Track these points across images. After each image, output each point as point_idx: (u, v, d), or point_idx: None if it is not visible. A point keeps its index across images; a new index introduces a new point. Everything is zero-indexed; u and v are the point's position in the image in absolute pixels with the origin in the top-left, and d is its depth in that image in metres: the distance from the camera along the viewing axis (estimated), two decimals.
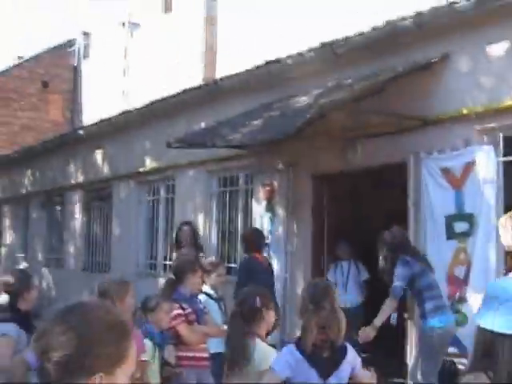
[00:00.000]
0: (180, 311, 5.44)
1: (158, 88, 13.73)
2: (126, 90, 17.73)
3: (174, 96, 11.26)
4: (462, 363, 6.59)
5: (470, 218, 6.89)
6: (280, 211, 9.23)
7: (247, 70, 9.65)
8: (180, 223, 8.62)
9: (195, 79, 14.02)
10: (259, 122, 7.68)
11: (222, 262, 7.62)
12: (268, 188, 9.28)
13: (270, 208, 9.30)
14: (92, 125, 14.45)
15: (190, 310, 5.49)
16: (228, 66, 12.45)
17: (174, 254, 8.15)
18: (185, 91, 10.99)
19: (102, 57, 19.66)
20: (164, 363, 5.08)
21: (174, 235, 8.45)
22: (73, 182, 15.24)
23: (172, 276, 5.86)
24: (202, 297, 6.04)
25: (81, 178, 14.95)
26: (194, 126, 10.47)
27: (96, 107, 18.99)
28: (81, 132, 14.88)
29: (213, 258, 7.95)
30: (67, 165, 15.47)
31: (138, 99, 13.68)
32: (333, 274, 9.01)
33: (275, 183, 9.28)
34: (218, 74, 12.96)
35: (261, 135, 7.22)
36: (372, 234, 7.10)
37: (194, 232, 8.19)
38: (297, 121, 6.68)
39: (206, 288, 6.36)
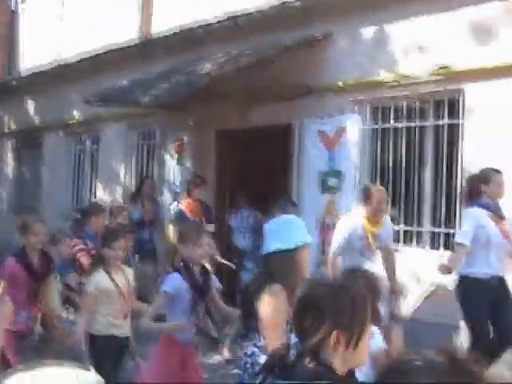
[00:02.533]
0: (83, 246, 6.61)
1: (93, 39, 14.28)
2: (62, 38, 18.21)
3: (105, 53, 12.00)
4: None
5: (339, 175, 8.16)
6: (189, 164, 10.36)
7: (169, 33, 10.51)
8: (143, 177, 9.59)
9: (130, 34, 14.65)
10: (166, 85, 8.74)
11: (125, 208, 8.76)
12: (178, 143, 10.38)
13: (181, 161, 10.41)
14: (24, 76, 15.16)
15: (91, 246, 6.63)
16: (162, 22, 13.10)
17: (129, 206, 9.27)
18: (114, 48, 11.74)
19: (39, 2, 19.90)
20: (66, 286, 6.23)
21: (136, 187, 9.42)
22: (6, 129, 16.01)
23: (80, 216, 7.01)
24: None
25: (13, 126, 15.73)
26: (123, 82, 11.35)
27: (33, 53, 19.44)
28: (14, 82, 15.58)
29: (121, 202, 9.08)
30: (0, 112, 16.20)
31: (73, 49, 14.25)
32: (234, 220, 10.21)
33: (185, 139, 10.38)
34: (154, 30, 13.62)
35: (164, 98, 8.30)
36: (265, 184, 8.31)
37: (154, 186, 9.25)
38: (193, 88, 7.81)
39: None
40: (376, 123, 8.19)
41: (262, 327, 3.23)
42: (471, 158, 7.12)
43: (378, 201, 6.33)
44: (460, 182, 7.27)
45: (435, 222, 7.72)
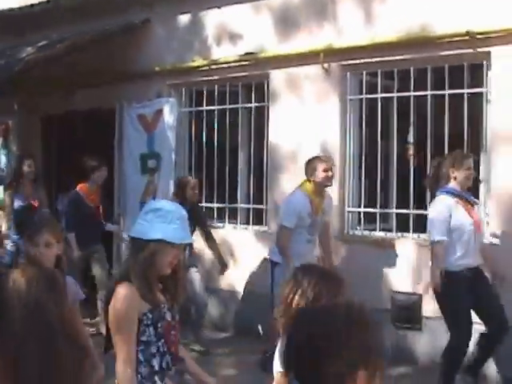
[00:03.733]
0: None
1: None
2: None
3: None
4: None
5: (157, 157, 8.48)
6: (14, 148, 10.30)
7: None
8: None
9: None
10: None
11: None
12: (3, 127, 10.29)
13: (6, 145, 10.33)
14: None
15: None
16: None
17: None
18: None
19: None
20: None
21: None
22: None
23: None
24: None
25: None
26: None
27: None
28: None
29: None
30: None
31: None
32: (60, 204, 10.26)
33: (10, 123, 10.31)
34: None
35: None
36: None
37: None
38: (10, 72, 7.85)
39: None
40: (191, 106, 8.59)
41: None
42: (276, 140, 7.69)
43: (325, 171, 6.34)
44: (266, 162, 7.82)
45: (249, 199, 8.22)
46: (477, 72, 6.54)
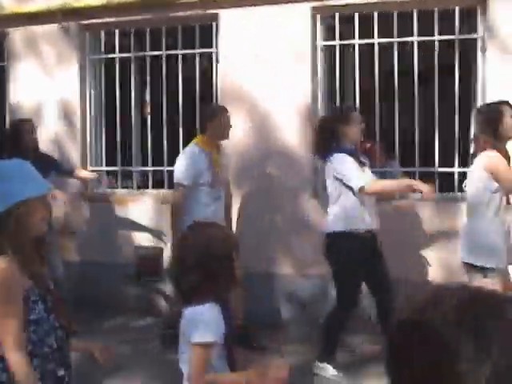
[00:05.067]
0: None
1: None
2: None
3: None
4: None
5: None
6: None
7: None
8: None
9: None
10: None
11: None
12: None
13: None
14: None
15: None
16: None
17: None
18: None
19: None
20: None
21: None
22: None
23: None
24: None
25: None
26: None
27: None
28: None
29: None
30: None
31: None
32: None
33: None
34: None
35: None
36: None
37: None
38: None
39: None
40: None
41: None
42: (17, 100, 7.49)
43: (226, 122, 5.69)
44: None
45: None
46: (207, 33, 6.85)
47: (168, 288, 6.79)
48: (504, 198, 4.68)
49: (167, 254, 6.69)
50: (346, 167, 4.96)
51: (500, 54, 5.88)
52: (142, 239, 6.98)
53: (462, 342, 1.06)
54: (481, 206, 4.65)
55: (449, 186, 6.26)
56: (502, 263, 4.65)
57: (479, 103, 5.88)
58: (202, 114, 5.91)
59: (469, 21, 6.21)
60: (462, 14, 6.11)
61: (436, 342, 1.08)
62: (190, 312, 2.74)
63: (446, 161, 6.24)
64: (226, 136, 5.76)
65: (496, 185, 4.59)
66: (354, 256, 5.02)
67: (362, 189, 4.87)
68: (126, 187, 7.26)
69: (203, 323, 2.67)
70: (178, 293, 2.82)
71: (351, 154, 5.03)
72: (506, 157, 4.74)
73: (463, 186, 5.00)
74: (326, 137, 5.12)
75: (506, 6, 5.85)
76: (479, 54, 6.08)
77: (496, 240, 4.61)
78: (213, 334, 2.67)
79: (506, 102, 4.74)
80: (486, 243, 4.58)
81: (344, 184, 4.99)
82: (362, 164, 5.10)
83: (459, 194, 6.01)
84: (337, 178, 5.02)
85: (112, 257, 7.03)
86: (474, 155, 4.83)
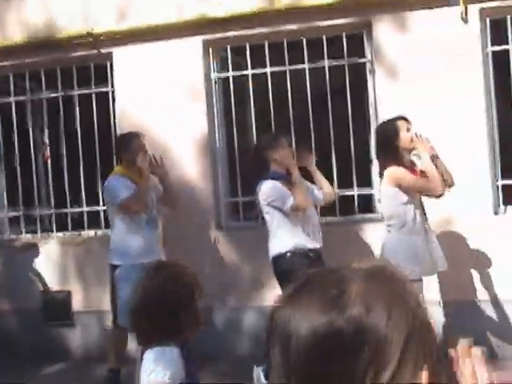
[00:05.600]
0: None
1: None
2: None
3: None
4: None
5: None
6: None
7: None
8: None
9: None
10: None
11: None
12: None
13: None
14: None
15: None
16: None
17: None
18: None
19: None
20: None
21: None
22: None
23: None
24: None
25: None
26: None
27: None
28: None
29: None
30: None
31: None
32: None
33: None
34: None
35: None
36: None
37: None
38: None
39: None
40: None
41: None
42: None
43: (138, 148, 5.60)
44: None
45: None
46: (102, 72, 6.81)
47: (77, 332, 6.65)
48: (418, 211, 4.86)
49: (75, 297, 6.58)
50: (273, 192, 5.06)
51: (388, 75, 6.04)
52: (49, 283, 6.82)
53: None
54: (397, 219, 4.82)
55: (349, 208, 6.32)
56: (425, 273, 4.81)
57: (373, 123, 6.02)
58: (116, 144, 5.99)
59: (356, 46, 6.34)
60: (349, 39, 6.26)
61: None
62: (148, 354, 2.60)
63: (343, 183, 6.30)
64: (141, 162, 5.52)
65: (406, 197, 4.78)
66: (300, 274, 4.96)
67: (293, 206, 4.98)
68: (29, 232, 7.10)
69: (162, 365, 2.54)
70: (137, 335, 2.71)
71: (279, 178, 5.10)
72: (412, 166, 4.97)
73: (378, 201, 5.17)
74: (257, 166, 5.24)
75: (390, 29, 6.03)
76: (369, 76, 6.23)
77: (417, 251, 4.78)
78: (169, 377, 2.53)
79: (402, 117, 4.94)
80: (410, 255, 4.69)
81: (275, 207, 5.06)
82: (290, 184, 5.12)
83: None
84: (268, 204, 5.09)
85: (18, 303, 6.84)
86: (381, 174, 4.97)
